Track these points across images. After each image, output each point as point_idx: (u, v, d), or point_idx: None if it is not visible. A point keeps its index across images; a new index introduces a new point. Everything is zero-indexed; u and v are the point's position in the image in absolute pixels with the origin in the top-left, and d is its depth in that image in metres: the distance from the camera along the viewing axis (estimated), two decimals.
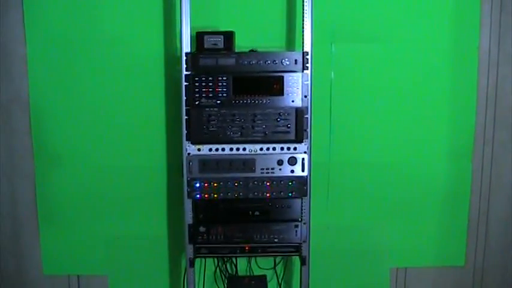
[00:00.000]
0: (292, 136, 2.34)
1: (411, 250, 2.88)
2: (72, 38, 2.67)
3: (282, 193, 2.37)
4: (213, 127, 2.33)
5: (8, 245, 2.90)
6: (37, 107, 2.74)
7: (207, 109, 2.32)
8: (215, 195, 2.36)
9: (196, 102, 2.32)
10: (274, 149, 2.36)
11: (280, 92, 2.32)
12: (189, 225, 2.41)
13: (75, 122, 2.74)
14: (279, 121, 2.33)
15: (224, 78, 2.31)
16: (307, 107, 2.33)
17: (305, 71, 2.31)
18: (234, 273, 2.80)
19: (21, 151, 2.80)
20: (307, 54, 2.31)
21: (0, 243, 2.90)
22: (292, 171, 2.36)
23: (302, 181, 2.37)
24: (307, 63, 2.31)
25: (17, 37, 2.69)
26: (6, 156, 2.81)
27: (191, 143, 2.34)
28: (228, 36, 2.36)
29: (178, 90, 2.35)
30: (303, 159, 2.36)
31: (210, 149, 2.35)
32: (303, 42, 2.32)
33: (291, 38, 2.65)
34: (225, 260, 2.77)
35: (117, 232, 2.82)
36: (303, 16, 2.30)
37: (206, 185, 2.36)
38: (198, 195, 2.36)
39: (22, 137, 2.78)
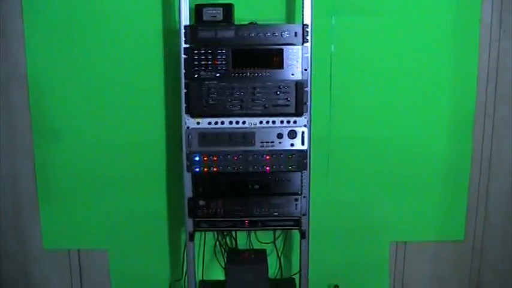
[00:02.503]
0: (292, 109, 2.33)
1: (411, 224, 2.89)
2: (70, 12, 2.64)
3: (281, 167, 2.36)
4: (212, 100, 2.31)
5: (9, 220, 2.91)
6: (35, 82, 2.72)
7: (206, 82, 2.30)
8: (215, 169, 2.36)
9: (196, 75, 2.30)
10: (274, 122, 2.35)
11: (280, 65, 2.30)
12: (188, 199, 2.40)
13: (74, 97, 2.72)
14: (278, 94, 2.31)
15: (223, 51, 2.29)
16: (307, 80, 2.31)
17: (305, 44, 2.29)
18: (234, 247, 2.81)
19: (20, 127, 2.79)
20: (307, 27, 2.28)
21: (1, 219, 2.90)
22: (292, 144, 2.36)
23: (302, 155, 2.36)
24: (307, 35, 2.28)
25: (13, 12, 2.66)
26: (5, 132, 2.80)
27: (190, 117, 2.33)
28: (227, 9, 2.34)
29: (177, 63, 2.33)
30: (303, 132, 2.35)
31: (210, 123, 2.34)
32: (302, 15, 2.29)
33: (291, 10, 2.62)
34: (225, 233, 2.78)
35: (116, 207, 2.82)
36: None
37: (205, 158, 2.35)
38: (197, 169, 2.36)
39: (21, 113, 2.77)
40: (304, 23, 2.29)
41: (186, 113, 2.33)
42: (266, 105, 2.32)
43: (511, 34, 2.75)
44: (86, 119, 2.74)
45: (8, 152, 2.83)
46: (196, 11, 2.33)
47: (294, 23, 2.59)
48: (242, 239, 2.82)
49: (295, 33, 2.28)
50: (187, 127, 2.34)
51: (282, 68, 2.31)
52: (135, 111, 2.72)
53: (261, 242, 2.80)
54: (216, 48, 2.29)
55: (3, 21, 2.69)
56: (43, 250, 2.91)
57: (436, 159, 2.83)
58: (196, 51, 2.29)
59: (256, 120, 2.35)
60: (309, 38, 2.29)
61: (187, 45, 2.29)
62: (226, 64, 2.30)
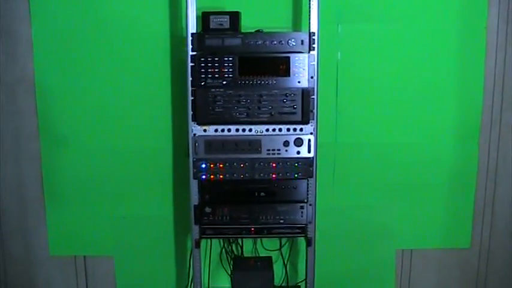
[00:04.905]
0: (298, 117, 2.33)
1: (417, 232, 2.88)
2: (78, 18, 2.66)
3: (288, 174, 2.37)
4: (218, 108, 2.32)
5: (15, 226, 2.91)
6: (42, 87, 2.73)
7: (213, 90, 2.31)
8: (221, 176, 2.36)
9: (202, 83, 2.30)
10: (280, 130, 2.35)
11: (287, 72, 2.31)
12: (194, 206, 2.41)
13: (81, 102, 2.73)
14: (285, 102, 2.31)
15: (230, 58, 2.30)
16: (313, 88, 2.31)
17: (311, 52, 2.29)
18: (240, 254, 2.81)
19: (27, 132, 2.81)
20: (314, 35, 2.28)
21: (7, 224, 2.91)
22: (298, 152, 2.36)
23: (308, 162, 2.36)
24: (314, 43, 2.28)
25: (22, 17, 2.68)
26: (12, 137, 2.82)
27: (197, 124, 2.34)
28: (234, 17, 2.34)
29: (184, 70, 2.34)
30: (309, 140, 2.35)
31: (216, 130, 2.34)
32: (309, 23, 2.29)
33: (297, 18, 2.63)
34: (231, 241, 2.78)
35: (123, 213, 2.82)
36: None
37: (212, 166, 2.35)
38: (203, 176, 2.36)
39: (28, 118, 2.78)
40: (311, 30, 2.29)
41: (192, 121, 2.33)
42: (272, 113, 2.33)
43: None
44: (92, 125, 2.75)
45: (15, 156, 2.84)
46: (203, 19, 2.34)
47: (300, 31, 2.59)
48: (248, 247, 2.82)
49: (302, 41, 2.29)
50: (194, 134, 2.35)
51: (289, 75, 2.31)
52: (142, 118, 2.72)
53: (267, 250, 2.80)
54: (222, 55, 2.29)
55: (12, 26, 2.70)
56: (49, 256, 2.92)
57: (442, 166, 2.82)
58: (203, 59, 2.29)
59: (263, 127, 2.35)
60: (315, 45, 2.29)
61: (194, 53, 2.29)
62: (233, 72, 2.30)
